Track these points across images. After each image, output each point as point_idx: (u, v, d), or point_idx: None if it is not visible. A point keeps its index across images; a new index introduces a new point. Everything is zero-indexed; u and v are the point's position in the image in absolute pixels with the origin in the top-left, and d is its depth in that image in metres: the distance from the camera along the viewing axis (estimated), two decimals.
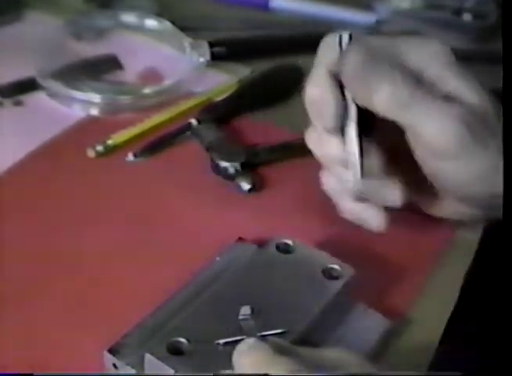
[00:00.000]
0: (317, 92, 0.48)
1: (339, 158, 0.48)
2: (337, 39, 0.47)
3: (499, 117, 0.47)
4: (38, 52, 0.67)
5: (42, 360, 0.43)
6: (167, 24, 0.74)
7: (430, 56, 0.47)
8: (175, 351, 0.39)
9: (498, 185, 0.46)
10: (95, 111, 0.64)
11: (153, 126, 0.62)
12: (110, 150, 0.59)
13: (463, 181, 0.47)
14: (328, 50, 0.48)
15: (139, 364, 0.40)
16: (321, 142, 0.49)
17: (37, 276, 0.48)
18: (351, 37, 0.47)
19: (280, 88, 0.68)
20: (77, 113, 0.64)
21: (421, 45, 0.48)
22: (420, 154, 0.47)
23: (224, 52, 0.72)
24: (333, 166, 0.49)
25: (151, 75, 0.69)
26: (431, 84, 0.47)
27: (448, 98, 0.46)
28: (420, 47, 0.48)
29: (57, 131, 0.61)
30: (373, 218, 0.49)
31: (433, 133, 0.45)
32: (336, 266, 0.45)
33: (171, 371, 0.38)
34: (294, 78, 0.69)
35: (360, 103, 0.47)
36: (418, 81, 0.46)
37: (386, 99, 0.45)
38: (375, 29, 0.81)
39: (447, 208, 0.51)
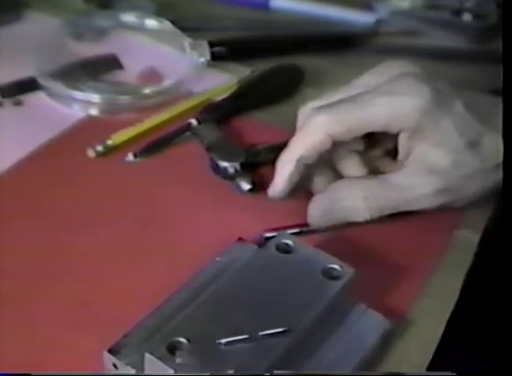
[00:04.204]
0: None
1: None
2: None
3: (468, 150, 0.49)
4: (38, 52, 0.67)
5: (42, 360, 0.43)
6: (167, 24, 0.74)
7: (400, 114, 0.49)
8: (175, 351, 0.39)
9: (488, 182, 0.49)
10: (95, 111, 0.64)
11: (153, 126, 0.62)
12: (110, 150, 0.59)
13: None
14: None
15: (139, 364, 0.40)
16: None
17: (37, 276, 0.48)
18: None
19: (280, 88, 0.68)
20: (77, 113, 0.64)
21: (391, 104, 0.49)
22: None
23: (224, 52, 0.72)
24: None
25: (151, 75, 0.69)
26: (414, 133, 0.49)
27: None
28: (390, 109, 0.49)
29: (57, 131, 0.61)
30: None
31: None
32: (336, 266, 0.45)
33: (171, 371, 0.38)
34: (294, 78, 0.69)
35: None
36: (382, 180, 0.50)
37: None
38: (374, 29, 0.81)
39: None
